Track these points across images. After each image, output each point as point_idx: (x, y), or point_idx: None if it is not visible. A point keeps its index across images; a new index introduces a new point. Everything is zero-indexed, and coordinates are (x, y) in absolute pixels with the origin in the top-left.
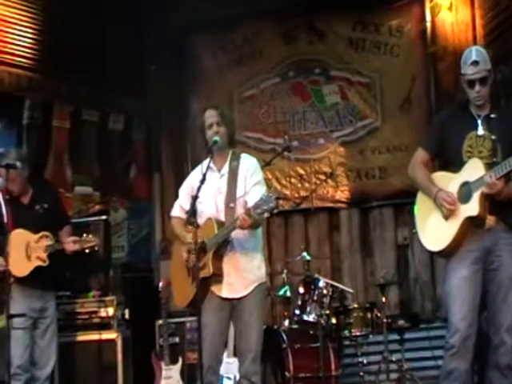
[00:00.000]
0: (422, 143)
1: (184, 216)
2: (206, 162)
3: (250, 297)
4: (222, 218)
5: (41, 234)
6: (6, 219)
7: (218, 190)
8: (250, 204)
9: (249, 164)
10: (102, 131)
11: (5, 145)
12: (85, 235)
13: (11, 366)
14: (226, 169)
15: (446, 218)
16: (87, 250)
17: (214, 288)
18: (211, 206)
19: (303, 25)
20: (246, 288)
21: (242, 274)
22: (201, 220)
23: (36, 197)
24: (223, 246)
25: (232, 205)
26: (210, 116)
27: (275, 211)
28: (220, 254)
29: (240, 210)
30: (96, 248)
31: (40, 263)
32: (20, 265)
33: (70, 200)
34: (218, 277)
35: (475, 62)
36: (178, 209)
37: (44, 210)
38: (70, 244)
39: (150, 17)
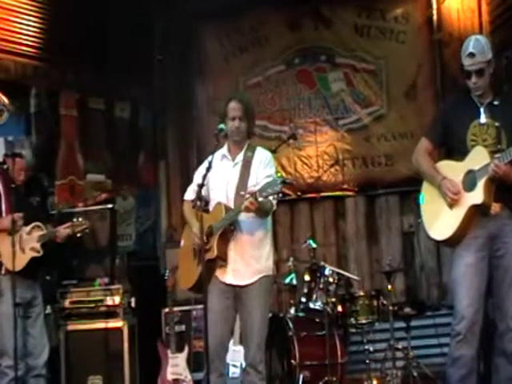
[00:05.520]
0: (425, 133)
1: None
2: (221, 150)
3: (255, 286)
4: (232, 205)
5: (32, 224)
6: (4, 202)
7: (229, 178)
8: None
9: (263, 156)
10: (110, 119)
11: (14, 133)
12: (75, 220)
13: (10, 356)
14: (240, 158)
15: (450, 206)
16: (79, 234)
17: (218, 273)
18: (222, 194)
19: (309, 12)
20: (252, 277)
21: (249, 262)
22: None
23: (30, 188)
24: (229, 230)
25: (242, 193)
26: (235, 109)
27: (281, 195)
28: (226, 238)
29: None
30: (87, 231)
31: (34, 254)
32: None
33: (82, 188)
34: (222, 260)
35: (471, 54)
36: (192, 192)
37: (36, 202)
38: (61, 230)
39: (157, 5)
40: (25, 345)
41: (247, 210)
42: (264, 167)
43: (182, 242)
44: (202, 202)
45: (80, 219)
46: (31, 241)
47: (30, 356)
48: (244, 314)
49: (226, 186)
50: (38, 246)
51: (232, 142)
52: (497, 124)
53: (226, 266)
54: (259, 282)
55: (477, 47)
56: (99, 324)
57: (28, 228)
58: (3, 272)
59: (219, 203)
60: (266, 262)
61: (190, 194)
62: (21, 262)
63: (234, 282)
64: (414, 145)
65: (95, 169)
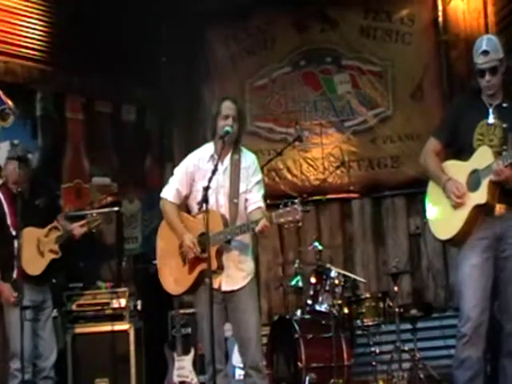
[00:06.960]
0: (433, 132)
1: (177, 201)
2: (205, 149)
3: (246, 289)
4: (223, 212)
5: (49, 226)
6: (9, 215)
7: (219, 183)
8: (253, 203)
9: (250, 161)
10: (116, 122)
11: (20, 137)
12: (88, 215)
13: (18, 358)
14: (227, 162)
15: (455, 207)
16: (94, 230)
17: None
18: (211, 199)
19: (315, 13)
20: (243, 280)
21: (239, 266)
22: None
23: (34, 191)
24: (227, 242)
25: (236, 200)
26: (229, 108)
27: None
28: (221, 249)
29: (243, 206)
30: (101, 226)
31: (53, 256)
32: (34, 263)
33: (88, 191)
34: (219, 270)
35: (485, 52)
36: (173, 193)
37: (43, 204)
38: (78, 228)
39: (163, 7)
40: (35, 347)
41: (261, 232)
42: (253, 173)
43: (160, 245)
44: (208, 204)
45: (94, 214)
46: (49, 243)
47: (40, 358)
48: (238, 318)
49: (216, 191)
50: (56, 247)
51: (220, 143)
52: (504, 125)
53: (221, 274)
54: (249, 285)
55: (490, 45)
56: (106, 327)
57: (45, 230)
58: (15, 276)
59: (214, 211)
60: (251, 264)
61: (170, 193)
62: (41, 265)
63: (229, 288)
64: (420, 146)
65: (101, 172)
